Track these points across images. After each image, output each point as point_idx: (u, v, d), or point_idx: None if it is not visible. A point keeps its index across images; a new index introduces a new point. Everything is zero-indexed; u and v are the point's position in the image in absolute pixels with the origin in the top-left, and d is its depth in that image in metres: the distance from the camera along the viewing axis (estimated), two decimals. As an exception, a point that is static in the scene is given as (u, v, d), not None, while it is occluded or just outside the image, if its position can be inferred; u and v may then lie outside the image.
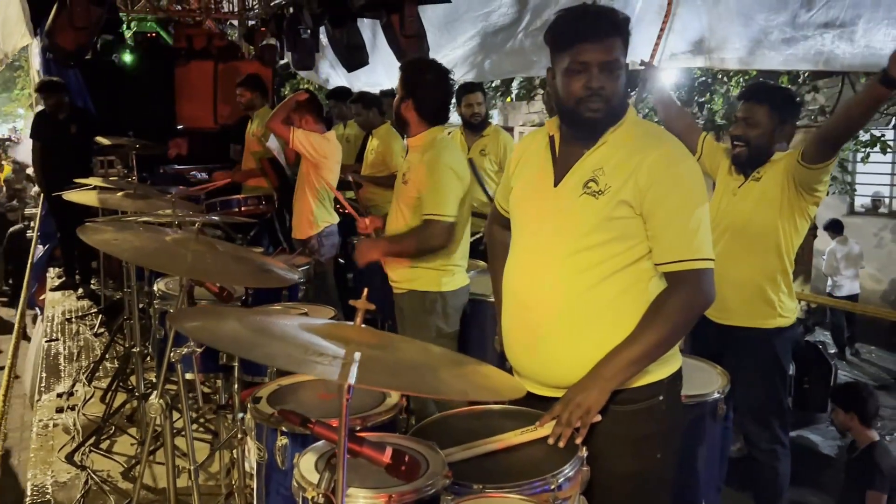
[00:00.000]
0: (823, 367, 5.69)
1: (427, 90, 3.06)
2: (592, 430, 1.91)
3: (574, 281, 1.90)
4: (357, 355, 1.14)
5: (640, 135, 1.92)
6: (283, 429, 1.83)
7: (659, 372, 1.95)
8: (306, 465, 1.59)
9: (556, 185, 1.96)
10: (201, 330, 1.27)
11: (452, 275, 3.18)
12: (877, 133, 7.91)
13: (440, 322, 3.17)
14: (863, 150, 8.34)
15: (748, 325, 3.10)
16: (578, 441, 1.83)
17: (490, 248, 2.38)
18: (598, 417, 1.88)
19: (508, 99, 13.65)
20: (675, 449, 2.03)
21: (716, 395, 2.49)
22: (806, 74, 7.96)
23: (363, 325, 1.29)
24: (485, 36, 5.87)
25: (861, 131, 8.19)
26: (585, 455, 1.82)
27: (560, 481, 1.70)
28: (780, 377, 3.23)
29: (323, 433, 1.39)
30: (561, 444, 1.82)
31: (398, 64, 3.70)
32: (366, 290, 1.31)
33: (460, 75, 6.21)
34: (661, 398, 1.95)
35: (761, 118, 3.01)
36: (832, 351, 7.28)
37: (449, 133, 3.45)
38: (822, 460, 5.59)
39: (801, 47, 3.40)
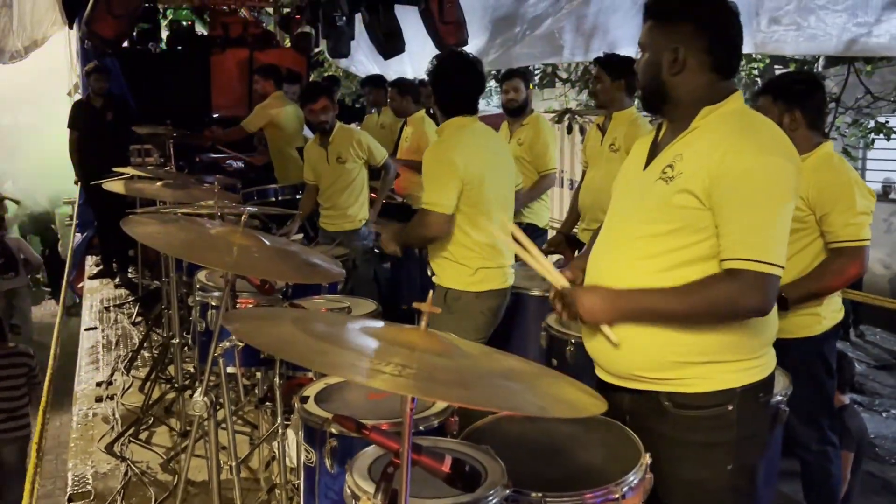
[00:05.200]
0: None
1: (446, 81, 3.09)
2: (653, 434, 1.84)
3: (637, 267, 1.83)
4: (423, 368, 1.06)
5: (733, 121, 1.77)
6: (333, 431, 1.76)
7: (727, 380, 1.82)
8: (359, 472, 1.52)
9: (644, 168, 1.90)
10: (261, 335, 1.19)
11: (477, 273, 3.04)
12: (882, 120, 7.58)
13: (461, 323, 3.00)
14: (867, 136, 8.05)
15: (796, 336, 2.88)
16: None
17: None
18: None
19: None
20: (751, 462, 1.91)
21: (778, 398, 2.36)
22: (817, 63, 7.77)
23: (428, 330, 1.21)
24: (519, 19, 5.77)
25: (868, 118, 7.90)
26: (649, 462, 1.74)
27: (624, 490, 1.62)
28: (829, 375, 3.08)
29: (381, 441, 1.32)
30: None
31: (425, 53, 3.64)
32: (431, 293, 1.23)
33: (490, 59, 6.17)
34: (729, 408, 1.82)
35: (765, 108, 2.79)
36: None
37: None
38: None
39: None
